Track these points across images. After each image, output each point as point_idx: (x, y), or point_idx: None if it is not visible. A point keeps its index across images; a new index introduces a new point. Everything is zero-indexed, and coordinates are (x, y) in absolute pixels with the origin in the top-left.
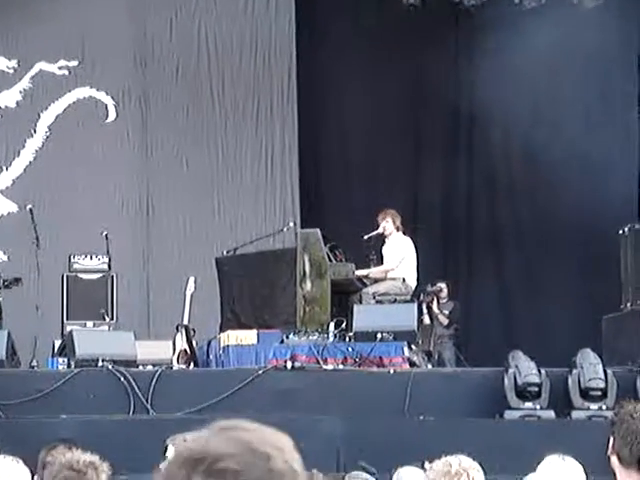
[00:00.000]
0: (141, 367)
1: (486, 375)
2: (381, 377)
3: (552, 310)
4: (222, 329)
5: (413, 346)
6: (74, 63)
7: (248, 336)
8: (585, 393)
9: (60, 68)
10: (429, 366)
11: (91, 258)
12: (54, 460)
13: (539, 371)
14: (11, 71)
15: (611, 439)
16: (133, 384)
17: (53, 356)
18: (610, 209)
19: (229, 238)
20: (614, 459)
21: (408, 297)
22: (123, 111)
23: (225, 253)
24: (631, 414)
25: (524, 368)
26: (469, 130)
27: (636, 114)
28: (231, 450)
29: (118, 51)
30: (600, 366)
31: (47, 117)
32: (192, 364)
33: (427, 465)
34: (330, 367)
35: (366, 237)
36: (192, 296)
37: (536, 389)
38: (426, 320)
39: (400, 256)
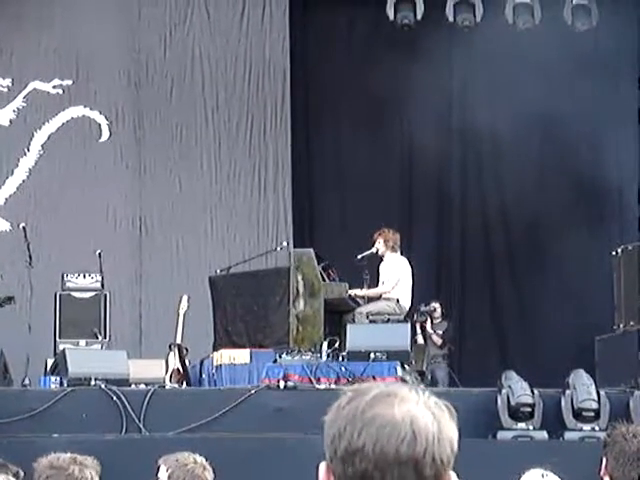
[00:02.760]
0: (134, 386)
1: (479, 395)
2: None
3: (545, 331)
4: (215, 348)
5: (406, 366)
6: (68, 82)
7: (241, 355)
8: (578, 414)
9: (54, 87)
10: (422, 386)
11: (84, 277)
12: (37, 465)
13: (532, 392)
14: (5, 90)
15: (604, 460)
16: (126, 403)
17: (45, 375)
18: (605, 229)
19: (222, 257)
20: None
21: (401, 317)
22: (117, 130)
23: (218, 272)
24: (624, 435)
25: (517, 389)
26: (463, 143)
27: (636, 134)
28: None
29: (112, 70)
30: (593, 387)
31: (41, 136)
32: (185, 383)
33: None
34: (323, 387)
35: (359, 257)
36: (185, 315)
37: (529, 410)
38: (419, 340)
39: (395, 278)
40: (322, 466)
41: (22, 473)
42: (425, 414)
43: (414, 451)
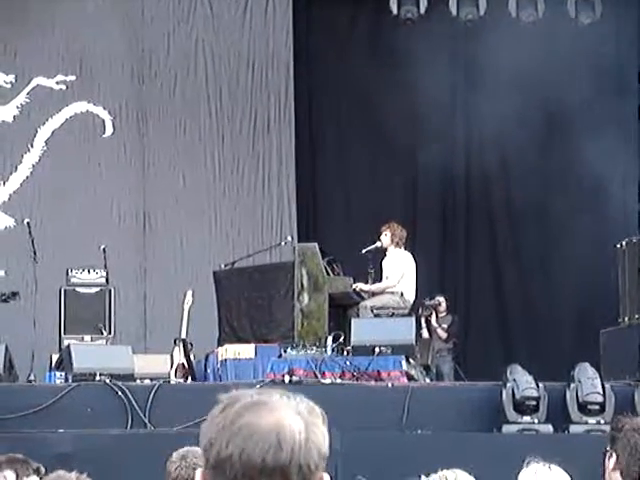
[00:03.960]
0: (139, 381)
1: (484, 389)
2: (379, 391)
3: (550, 324)
4: (220, 343)
5: (411, 360)
6: (71, 78)
7: (246, 350)
8: (583, 407)
9: (57, 83)
10: (427, 380)
11: (89, 272)
12: None
13: (537, 385)
14: (8, 86)
15: (613, 456)
16: (131, 398)
17: (50, 370)
18: (608, 223)
19: (227, 252)
20: (616, 476)
21: (406, 311)
22: (120, 126)
23: (223, 267)
24: (636, 430)
25: (522, 382)
26: (468, 137)
27: (636, 129)
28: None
29: (116, 66)
30: (598, 380)
31: (44, 132)
32: (190, 378)
33: (423, 479)
34: (328, 381)
35: (364, 251)
36: (190, 310)
37: (534, 403)
38: (425, 334)
39: (400, 272)
40: (198, 473)
41: (43, 469)
42: (294, 422)
43: (279, 460)
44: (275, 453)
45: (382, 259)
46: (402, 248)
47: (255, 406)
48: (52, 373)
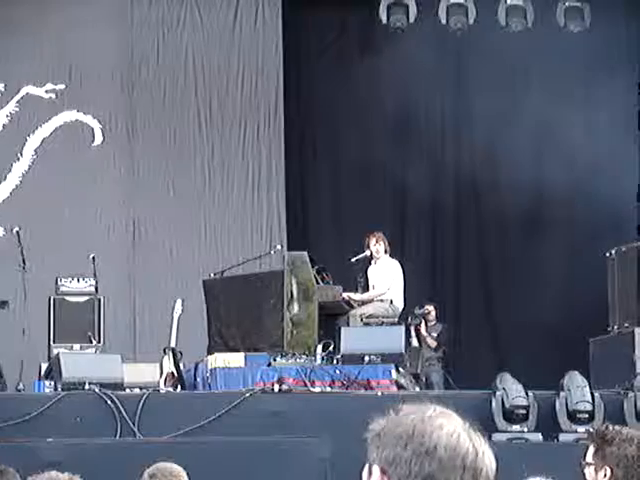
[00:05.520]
0: (128, 390)
1: (474, 398)
2: (368, 400)
3: (539, 332)
4: (209, 352)
5: (401, 369)
6: (61, 87)
7: (235, 359)
8: (572, 416)
9: (47, 92)
10: (417, 389)
11: (78, 281)
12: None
13: (527, 394)
14: None
15: (605, 470)
16: (120, 407)
17: (40, 379)
18: (598, 231)
19: (216, 261)
20: None
21: (395, 319)
22: (110, 135)
23: (212, 276)
24: (626, 440)
25: (512, 391)
26: (457, 145)
27: (635, 138)
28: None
29: (105, 75)
30: (587, 389)
31: (34, 141)
32: (179, 387)
33: None
34: (317, 390)
35: (353, 260)
36: (179, 318)
37: (524, 412)
38: (414, 343)
39: (390, 280)
40: (376, 469)
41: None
42: (478, 436)
43: (477, 464)
44: (473, 460)
45: (367, 268)
46: (389, 255)
47: (440, 413)
48: (41, 382)
